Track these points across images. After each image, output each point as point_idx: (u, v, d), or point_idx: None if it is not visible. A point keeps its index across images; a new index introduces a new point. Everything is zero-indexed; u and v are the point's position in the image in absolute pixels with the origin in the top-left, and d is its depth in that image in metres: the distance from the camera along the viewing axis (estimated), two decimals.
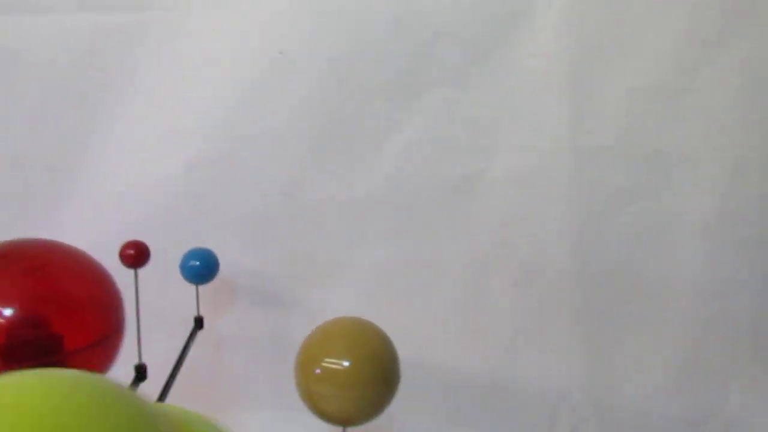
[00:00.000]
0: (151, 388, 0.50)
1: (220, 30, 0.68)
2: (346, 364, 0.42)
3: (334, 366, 0.42)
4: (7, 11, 0.69)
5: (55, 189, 0.71)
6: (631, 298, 0.66)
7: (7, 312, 0.30)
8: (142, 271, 0.50)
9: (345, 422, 0.44)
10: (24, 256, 0.33)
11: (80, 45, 0.70)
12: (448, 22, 0.64)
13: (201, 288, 0.58)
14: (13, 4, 0.70)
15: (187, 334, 0.59)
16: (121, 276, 0.48)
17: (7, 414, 0.17)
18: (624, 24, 0.62)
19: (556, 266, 0.66)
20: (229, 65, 0.68)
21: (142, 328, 0.47)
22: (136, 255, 0.48)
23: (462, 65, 0.64)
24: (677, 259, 0.64)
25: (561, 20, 0.63)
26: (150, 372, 0.51)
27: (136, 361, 0.48)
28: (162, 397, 0.50)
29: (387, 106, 0.66)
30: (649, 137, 0.62)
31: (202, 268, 0.56)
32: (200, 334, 0.61)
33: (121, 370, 0.47)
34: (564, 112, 0.63)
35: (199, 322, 0.57)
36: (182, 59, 0.69)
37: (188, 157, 0.69)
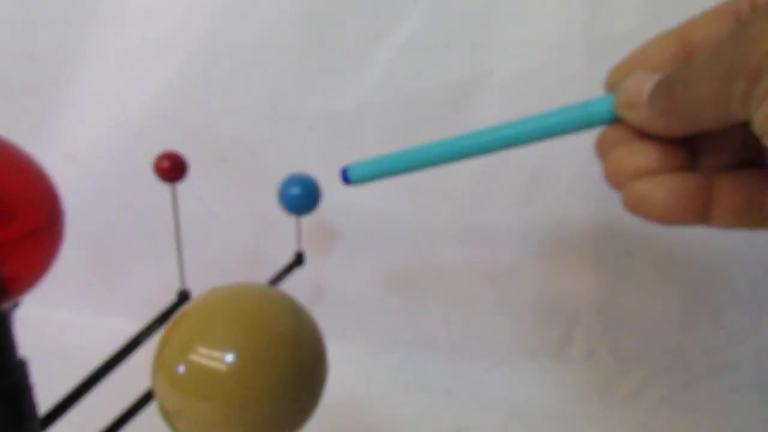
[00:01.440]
0: None
1: None
2: (228, 359, 0.24)
3: (208, 362, 0.24)
4: None
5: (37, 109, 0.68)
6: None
7: None
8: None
9: None
10: None
11: None
12: None
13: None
14: None
15: None
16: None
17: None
18: None
19: (566, 180, 0.60)
20: None
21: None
22: (172, 167, 0.42)
23: None
24: None
25: None
26: None
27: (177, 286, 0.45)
28: None
29: (375, 6, 0.59)
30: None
31: (304, 196, 0.47)
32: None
33: (166, 296, 0.45)
34: None
35: (299, 258, 0.50)
36: None
37: (170, 72, 0.65)
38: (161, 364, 0.25)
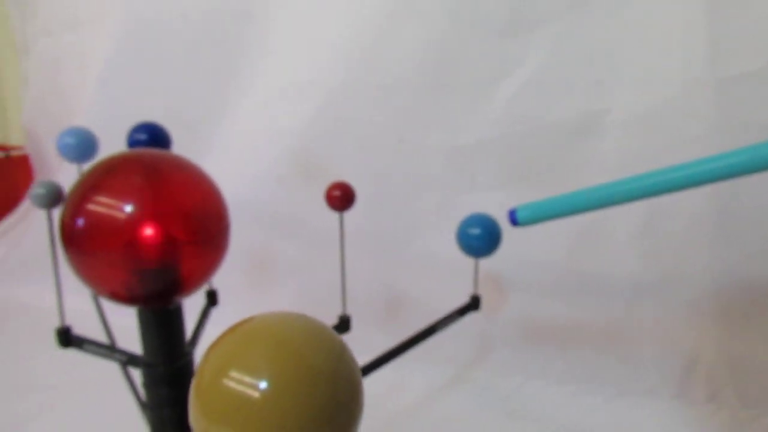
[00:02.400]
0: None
1: None
2: (262, 386, 0.23)
3: (241, 388, 0.23)
4: None
5: (195, 145, 0.79)
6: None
7: (129, 209, 0.35)
8: None
9: None
10: (143, 162, 0.38)
11: (210, 15, 0.77)
12: None
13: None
14: None
15: None
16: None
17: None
18: None
19: (687, 215, 0.60)
20: (347, 20, 0.70)
21: None
22: (342, 196, 0.45)
23: None
24: None
25: None
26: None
27: (339, 311, 0.48)
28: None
29: (499, 47, 0.64)
30: None
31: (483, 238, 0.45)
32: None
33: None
34: (699, 34, 0.56)
35: (476, 302, 0.49)
36: (302, 18, 0.72)
37: (311, 108, 0.73)
38: (195, 386, 0.25)
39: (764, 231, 0.58)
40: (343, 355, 0.26)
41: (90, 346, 0.43)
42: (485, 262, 0.48)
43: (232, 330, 0.25)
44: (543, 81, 0.63)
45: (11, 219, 1.17)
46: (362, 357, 0.42)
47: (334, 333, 0.27)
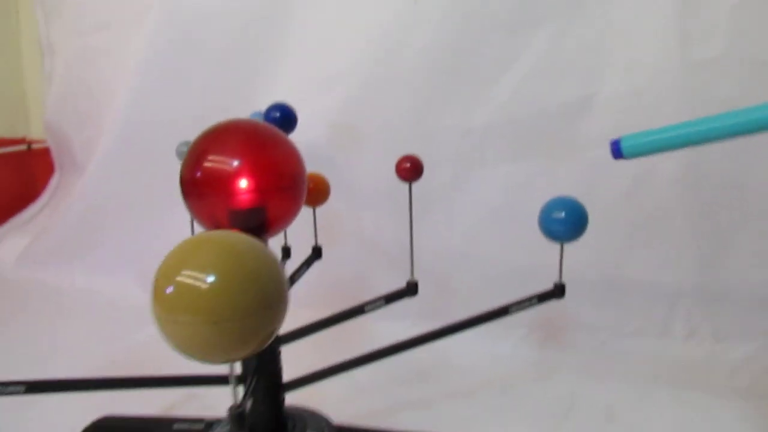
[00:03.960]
0: None
1: None
2: (210, 279, 0.30)
3: (192, 282, 0.30)
4: None
5: None
6: (740, 204, 0.69)
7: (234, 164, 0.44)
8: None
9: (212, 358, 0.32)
10: (242, 128, 0.47)
11: (239, 17, 0.87)
12: None
13: None
14: None
15: None
16: None
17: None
18: None
19: (666, 178, 0.71)
20: (368, 18, 0.80)
21: None
22: (411, 168, 0.53)
23: None
24: None
25: None
26: None
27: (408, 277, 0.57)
28: None
29: (506, 41, 0.75)
30: (759, 46, 0.66)
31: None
32: None
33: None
34: (670, 27, 0.68)
35: (560, 290, 0.50)
36: (327, 16, 0.83)
37: (338, 97, 0.83)
38: (155, 286, 0.31)
39: (730, 177, 0.69)
40: (274, 262, 0.33)
41: None
42: None
43: (182, 242, 0.32)
44: (542, 70, 0.74)
45: (33, 208, 1.23)
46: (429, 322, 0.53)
47: (266, 246, 0.36)
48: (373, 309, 0.55)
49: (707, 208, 0.71)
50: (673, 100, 0.69)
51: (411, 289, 0.56)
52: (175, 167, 0.46)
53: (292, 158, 0.50)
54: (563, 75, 0.73)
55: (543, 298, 0.50)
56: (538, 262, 0.79)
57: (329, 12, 0.82)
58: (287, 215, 0.50)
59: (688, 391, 0.68)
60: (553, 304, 0.50)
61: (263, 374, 0.50)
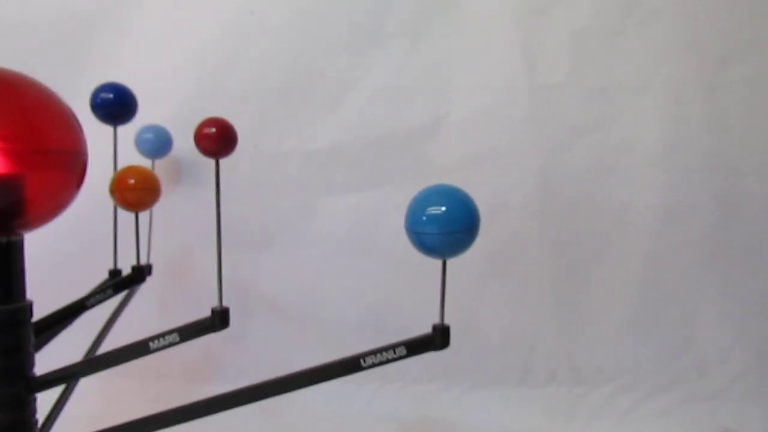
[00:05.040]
0: None
1: None
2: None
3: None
4: None
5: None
6: (594, 229, 0.67)
7: None
8: None
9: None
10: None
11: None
12: None
13: None
14: None
15: None
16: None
17: None
18: None
19: (518, 204, 0.68)
20: (201, 27, 0.71)
21: None
22: (218, 136, 0.39)
23: (418, 16, 0.68)
24: (633, 187, 0.66)
25: None
26: None
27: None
28: None
29: (347, 60, 0.70)
30: (598, 73, 0.66)
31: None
32: None
33: None
34: (516, 54, 0.67)
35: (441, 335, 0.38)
36: (155, 25, 0.72)
37: (167, 117, 0.71)
38: None
39: (580, 218, 0.68)
40: None
41: None
42: None
43: None
44: (389, 91, 0.69)
45: None
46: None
47: None
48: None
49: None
50: (521, 123, 0.67)
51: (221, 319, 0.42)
52: None
53: (65, 122, 0.37)
54: (411, 96, 0.69)
55: (415, 347, 0.37)
56: (398, 301, 0.74)
57: (160, 11, 0.71)
58: (53, 199, 0.37)
59: None
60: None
61: None
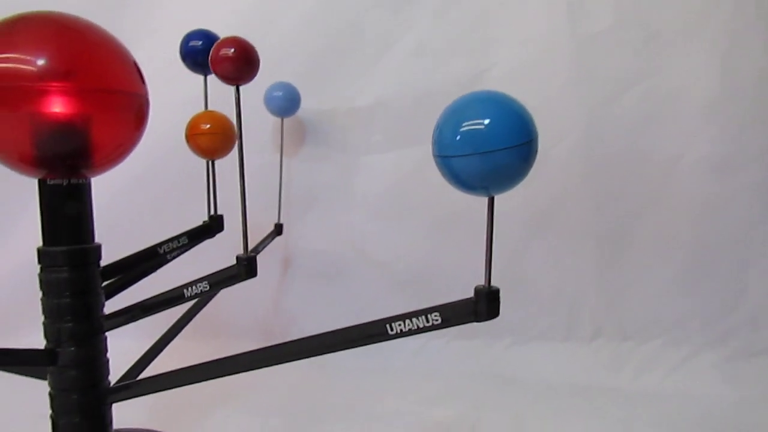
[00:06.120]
0: None
1: None
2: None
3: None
4: None
5: None
6: (641, 182, 0.66)
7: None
8: None
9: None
10: (54, 19, 0.35)
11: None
12: None
13: None
14: None
15: None
16: None
17: None
18: None
19: (563, 158, 0.67)
20: None
21: None
22: (238, 58, 0.35)
23: None
24: (683, 139, 0.65)
25: None
26: None
27: None
28: None
29: (389, 17, 0.69)
30: (645, 20, 0.64)
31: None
32: None
33: None
34: (558, 3, 0.66)
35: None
36: None
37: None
38: None
39: (625, 166, 0.66)
40: None
41: None
42: None
43: None
44: (430, 46, 0.69)
45: None
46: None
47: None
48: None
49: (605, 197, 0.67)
50: (565, 76, 0.66)
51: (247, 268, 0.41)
52: None
53: (126, 64, 0.38)
54: (452, 52, 0.68)
55: (461, 311, 0.31)
56: (441, 260, 0.74)
57: None
58: (116, 143, 0.38)
59: (597, 395, 0.62)
60: None
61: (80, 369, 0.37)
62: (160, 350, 0.48)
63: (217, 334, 0.74)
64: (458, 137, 0.25)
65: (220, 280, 0.41)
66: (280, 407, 0.60)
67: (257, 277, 0.41)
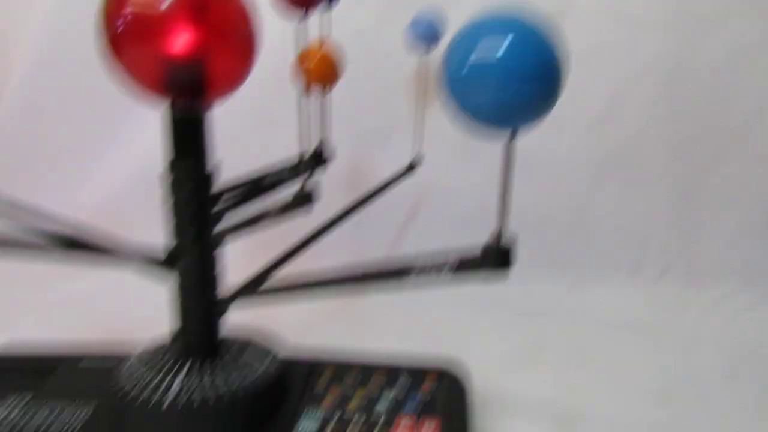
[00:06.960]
0: None
1: None
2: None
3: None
4: None
5: None
6: (721, 127, 0.65)
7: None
8: None
9: None
10: None
11: None
12: None
13: None
14: None
15: None
16: None
17: None
18: None
19: (642, 98, 0.66)
20: None
21: None
22: None
23: None
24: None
25: None
26: None
27: None
28: None
29: None
30: None
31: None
32: None
33: None
34: None
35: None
36: None
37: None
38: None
39: (708, 110, 0.65)
40: None
41: None
42: None
43: None
44: None
45: None
46: None
47: None
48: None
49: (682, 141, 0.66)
50: (650, 12, 0.64)
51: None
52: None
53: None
54: None
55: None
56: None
57: None
58: (232, 74, 0.40)
59: (662, 334, 0.63)
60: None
61: (195, 274, 0.40)
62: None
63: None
64: (466, 71, 0.21)
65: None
66: None
67: None
